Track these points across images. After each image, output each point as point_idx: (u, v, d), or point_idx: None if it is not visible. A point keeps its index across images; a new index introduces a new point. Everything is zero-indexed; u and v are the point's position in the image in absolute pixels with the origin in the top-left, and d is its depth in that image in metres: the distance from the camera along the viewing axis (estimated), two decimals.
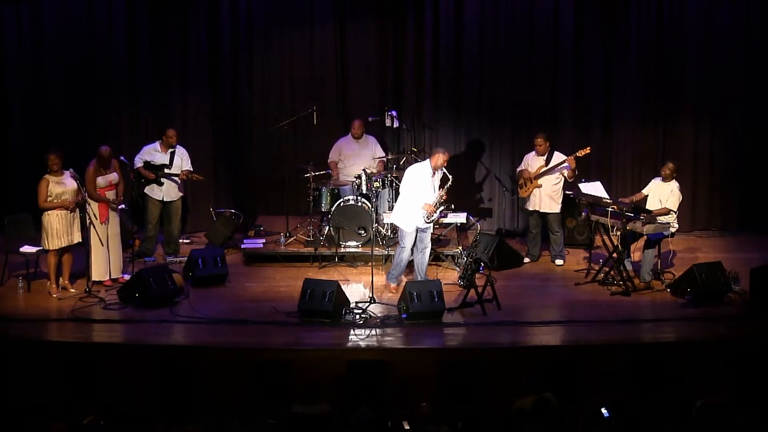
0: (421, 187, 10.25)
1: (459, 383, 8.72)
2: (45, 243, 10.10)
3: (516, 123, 12.96)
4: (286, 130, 12.31)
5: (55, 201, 10.00)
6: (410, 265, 10.61)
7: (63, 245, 10.11)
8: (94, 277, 10.43)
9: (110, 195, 10.46)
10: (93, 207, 10.30)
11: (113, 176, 10.50)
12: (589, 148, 11.35)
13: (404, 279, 10.59)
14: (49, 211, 10.01)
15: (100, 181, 10.40)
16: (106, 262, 10.49)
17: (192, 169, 11.70)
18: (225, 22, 12.79)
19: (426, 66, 12.92)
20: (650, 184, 10.93)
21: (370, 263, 10.47)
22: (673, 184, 10.68)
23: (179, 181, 11.53)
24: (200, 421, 7.42)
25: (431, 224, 10.41)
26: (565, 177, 11.39)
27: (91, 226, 10.28)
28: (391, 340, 9.22)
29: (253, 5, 12.84)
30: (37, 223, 10.38)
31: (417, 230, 10.33)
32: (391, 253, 11.49)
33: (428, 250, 10.48)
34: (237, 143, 13.15)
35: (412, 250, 10.37)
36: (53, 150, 10.13)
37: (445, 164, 10.23)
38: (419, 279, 10.41)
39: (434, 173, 10.28)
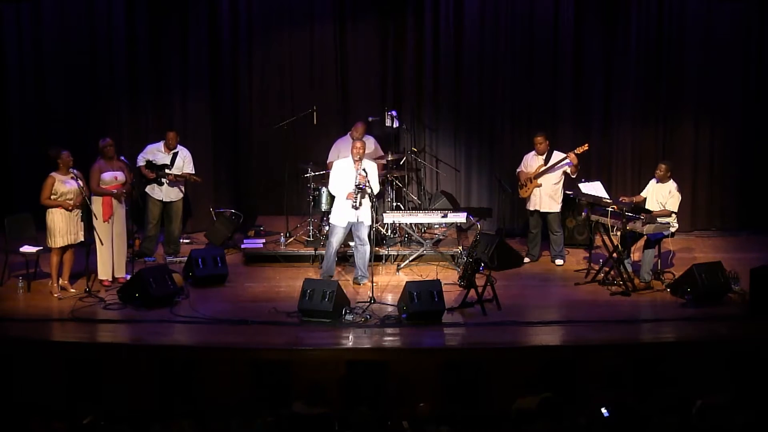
0: (344, 179, 10.37)
1: (459, 383, 8.72)
2: (49, 241, 10.09)
3: (516, 122, 12.96)
4: (286, 130, 12.31)
5: (59, 200, 10.01)
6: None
7: (66, 243, 10.11)
8: (100, 275, 10.48)
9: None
10: (96, 205, 10.32)
11: (119, 174, 10.50)
12: (587, 145, 11.35)
13: (404, 279, 10.59)
14: (53, 209, 10.01)
15: (106, 177, 10.40)
16: (110, 262, 10.50)
17: (193, 171, 11.71)
18: (225, 22, 12.79)
19: (426, 66, 12.92)
20: (648, 186, 10.92)
21: (369, 263, 10.47)
22: (671, 185, 10.67)
23: (170, 182, 11.53)
24: (200, 421, 7.42)
25: (365, 219, 10.42)
26: (568, 174, 11.38)
27: (96, 224, 10.30)
28: (391, 340, 9.23)
29: (253, 5, 12.84)
30: (38, 223, 10.38)
31: (351, 226, 10.48)
32: (392, 252, 11.55)
33: (366, 248, 10.51)
34: (237, 143, 13.16)
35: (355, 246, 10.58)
36: (65, 148, 10.14)
37: (361, 151, 10.39)
38: (359, 276, 10.57)
39: (356, 163, 10.40)
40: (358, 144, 10.48)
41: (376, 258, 11.01)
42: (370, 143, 12.30)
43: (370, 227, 10.51)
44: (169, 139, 11.55)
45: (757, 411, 7.28)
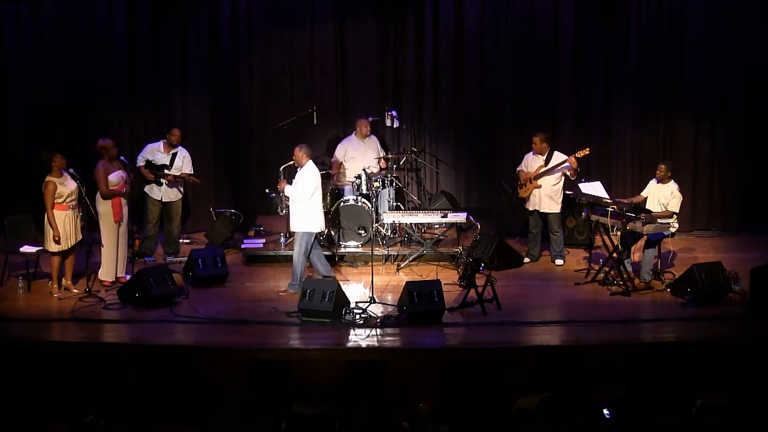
0: None
1: (459, 383, 8.72)
2: (51, 245, 10.05)
3: (516, 123, 12.97)
4: (286, 130, 12.32)
5: (64, 203, 9.99)
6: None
7: (68, 246, 10.10)
8: (103, 276, 10.48)
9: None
10: (106, 207, 10.31)
11: (124, 173, 10.50)
12: (587, 149, 11.36)
13: (404, 279, 10.59)
14: (57, 213, 9.97)
15: (113, 178, 10.39)
16: (114, 262, 10.51)
17: (192, 172, 11.71)
18: (225, 22, 12.80)
19: (426, 66, 12.93)
20: (648, 186, 10.92)
21: (370, 263, 10.47)
22: (672, 186, 10.67)
23: (169, 182, 11.53)
24: (200, 421, 7.42)
25: (291, 227, 10.52)
26: (567, 176, 11.39)
27: (103, 225, 10.31)
28: (391, 340, 9.22)
29: (253, 5, 12.84)
30: (38, 223, 10.37)
31: None
32: (392, 252, 11.56)
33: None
34: (237, 143, 13.16)
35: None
36: (58, 150, 10.13)
37: (295, 158, 10.46)
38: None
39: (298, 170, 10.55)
40: (295, 150, 10.43)
41: (375, 258, 11.01)
42: (374, 143, 12.32)
43: (305, 234, 10.42)
44: (174, 135, 11.55)
45: (757, 411, 7.28)
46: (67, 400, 8.57)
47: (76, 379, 8.76)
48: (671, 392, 8.37)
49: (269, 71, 13.04)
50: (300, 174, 10.41)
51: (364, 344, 9.10)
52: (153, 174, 11.47)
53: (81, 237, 10.23)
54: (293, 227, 10.49)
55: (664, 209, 10.60)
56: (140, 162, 11.56)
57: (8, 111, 12.84)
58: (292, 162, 10.55)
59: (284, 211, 10.98)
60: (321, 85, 12.98)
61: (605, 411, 7.13)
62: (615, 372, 8.76)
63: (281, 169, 10.94)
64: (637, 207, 10.65)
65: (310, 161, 10.41)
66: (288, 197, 10.67)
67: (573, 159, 11.19)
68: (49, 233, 10.01)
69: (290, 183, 10.56)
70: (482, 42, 12.83)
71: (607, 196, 10.85)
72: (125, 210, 10.54)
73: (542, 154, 11.44)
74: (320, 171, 11.96)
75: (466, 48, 12.86)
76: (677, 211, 10.61)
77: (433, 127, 13.09)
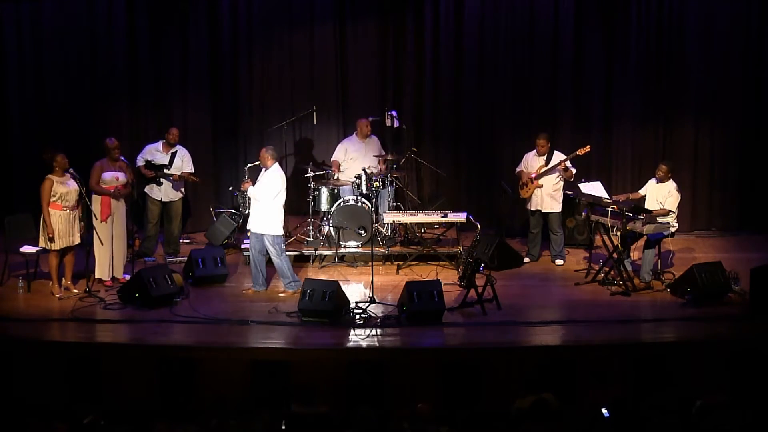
0: None
1: (459, 383, 8.72)
2: (46, 243, 10.08)
3: (516, 122, 12.97)
4: (286, 130, 12.32)
5: (59, 202, 9.99)
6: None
7: (64, 246, 10.10)
8: (98, 275, 10.49)
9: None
10: (95, 204, 10.32)
11: (121, 174, 10.49)
12: (588, 146, 11.36)
13: (404, 279, 10.59)
14: (51, 212, 9.99)
15: (106, 176, 10.40)
16: (108, 262, 10.50)
17: (192, 170, 11.71)
18: (225, 22, 12.80)
19: (426, 66, 12.94)
20: (647, 185, 10.93)
21: (370, 263, 10.48)
22: (671, 185, 10.67)
23: (172, 181, 11.52)
24: (200, 421, 7.41)
25: (251, 227, 10.44)
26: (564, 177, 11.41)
27: (95, 224, 10.30)
28: (391, 340, 9.23)
29: (253, 5, 12.85)
30: (38, 224, 10.37)
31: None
32: (392, 252, 11.54)
33: (275, 259, 10.47)
34: (237, 143, 13.15)
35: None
36: (60, 150, 10.13)
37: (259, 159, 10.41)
38: (285, 284, 10.46)
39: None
40: (261, 151, 10.35)
41: (375, 258, 11.01)
42: (375, 143, 12.32)
43: (275, 237, 10.37)
44: (172, 134, 11.57)
45: (757, 411, 7.28)
46: (67, 400, 8.57)
47: (76, 379, 8.76)
48: (671, 392, 8.38)
49: (269, 71, 13.04)
50: (264, 175, 10.32)
51: (364, 344, 9.11)
52: (153, 173, 11.46)
53: (79, 240, 10.21)
54: (252, 227, 10.41)
55: (662, 208, 10.60)
56: (140, 162, 11.57)
57: (8, 111, 12.84)
58: (258, 162, 10.51)
59: (248, 210, 10.91)
60: (321, 85, 12.99)
61: (605, 411, 7.12)
62: (615, 372, 8.76)
63: (246, 168, 10.93)
64: (637, 207, 10.65)
65: (276, 164, 10.33)
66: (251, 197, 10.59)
67: (562, 165, 11.20)
68: (45, 231, 10.01)
69: (254, 183, 10.48)
70: (482, 42, 12.84)
71: (607, 196, 10.85)
72: (121, 211, 10.54)
73: (545, 155, 11.45)
74: (319, 171, 12.03)
75: (465, 48, 12.86)
76: (674, 210, 10.61)
77: (433, 127, 13.09)
